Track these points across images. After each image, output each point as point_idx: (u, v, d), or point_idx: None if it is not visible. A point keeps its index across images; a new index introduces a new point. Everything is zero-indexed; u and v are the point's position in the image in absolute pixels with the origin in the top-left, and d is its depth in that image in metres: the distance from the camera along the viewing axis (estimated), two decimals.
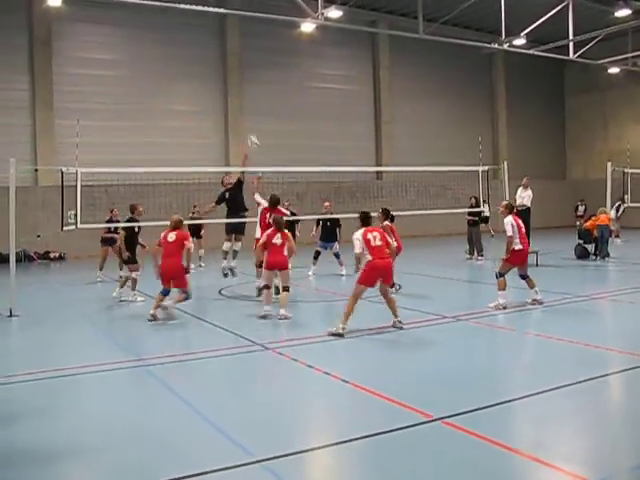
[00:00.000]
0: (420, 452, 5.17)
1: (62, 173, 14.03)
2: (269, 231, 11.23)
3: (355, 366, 7.87)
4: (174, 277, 11.12)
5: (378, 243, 9.57)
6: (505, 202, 12.21)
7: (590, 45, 25.95)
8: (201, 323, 10.78)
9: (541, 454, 4.98)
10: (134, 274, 13.26)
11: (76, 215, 13.71)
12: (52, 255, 22.84)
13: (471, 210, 18.99)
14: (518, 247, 11.14)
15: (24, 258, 21.35)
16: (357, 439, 5.37)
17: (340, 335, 9.12)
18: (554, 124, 38.00)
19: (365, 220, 9.95)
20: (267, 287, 11.09)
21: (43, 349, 9.38)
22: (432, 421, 5.68)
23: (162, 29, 25.39)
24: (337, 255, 16.39)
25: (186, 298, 11.27)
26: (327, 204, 17.91)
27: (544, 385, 6.68)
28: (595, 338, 8.90)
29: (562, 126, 38.61)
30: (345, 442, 5.36)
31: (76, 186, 13.83)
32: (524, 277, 11.38)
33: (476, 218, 19.12)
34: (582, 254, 18.67)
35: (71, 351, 9.07)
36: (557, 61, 28.96)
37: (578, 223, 26.03)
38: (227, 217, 14.32)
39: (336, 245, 16.55)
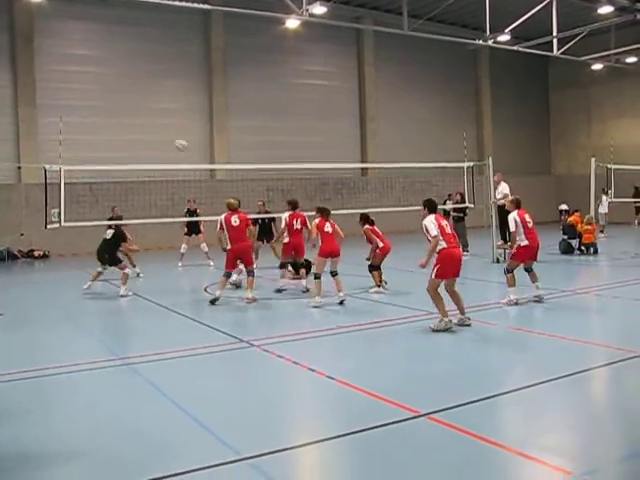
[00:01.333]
0: (406, 448, 5.17)
1: (45, 171, 13.96)
2: (317, 221, 11.70)
3: (341, 363, 7.86)
4: (244, 257, 12.23)
5: (450, 231, 9.23)
6: (512, 197, 12.09)
7: (574, 41, 26.09)
8: (187, 320, 10.74)
9: (527, 448, 5.00)
10: (127, 270, 13.57)
11: (60, 213, 13.66)
12: (36, 253, 22.68)
13: (457, 206, 19.05)
14: (524, 243, 11.05)
15: (8, 256, 21.19)
16: (343, 435, 5.37)
17: (450, 328, 8.90)
18: (538, 120, 38.17)
19: (432, 207, 9.46)
20: (319, 277, 11.36)
21: (28, 348, 9.31)
22: (418, 417, 5.68)
23: (146, 25, 25.23)
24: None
25: (253, 275, 12.20)
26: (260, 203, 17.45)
27: (530, 380, 6.71)
28: (579, 333, 8.96)
29: (546, 122, 38.79)
30: (331, 439, 5.36)
31: (60, 184, 13.77)
32: (528, 270, 11.35)
33: (461, 214, 19.17)
34: (566, 249, 18.77)
35: (56, 350, 9.01)
36: (541, 57, 29.13)
37: (562, 218, 26.23)
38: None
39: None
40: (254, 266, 12.50)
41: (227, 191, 21.45)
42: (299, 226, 13.15)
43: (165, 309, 11.62)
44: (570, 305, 11.33)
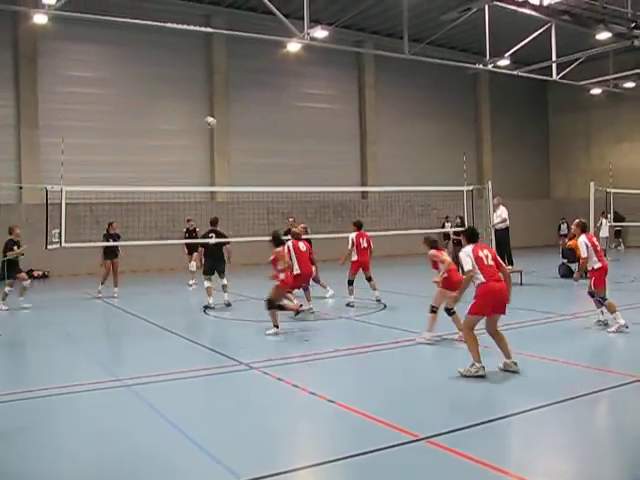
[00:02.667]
0: (405, 472, 5.14)
1: (47, 191, 14.02)
2: (434, 252, 10.47)
3: (341, 386, 7.84)
4: (309, 279, 13.45)
5: (491, 263, 8.08)
6: (577, 220, 11.43)
7: (572, 66, 26.28)
8: (186, 342, 10.72)
9: (528, 473, 4.99)
10: (7, 289, 14.49)
11: (60, 234, 13.72)
12: (35, 273, 22.64)
13: (456, 230, 19.09)
14: (597, 265, 10.73)
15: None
16: (342, 459, 5.35)
17: (482, 376, 7.74)
18: (538, 144, 38.36)
19: (472, 236, 8.51)
20: (436, 310, 10.16)
21: (25, 368, 9.30)
22: (417, 441, 5.67)
23: (148, 48, 25.44)
24: (316, 280, 15.30)
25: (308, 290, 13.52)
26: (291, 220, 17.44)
27: (530, 404, 6.69)
28: (580, 357, 8.94)
29: (546, 145, 38.97)
30: (330, 462, 5.34)
31: (61, 204, 13.82)
32: (602, 302, 10.77)
33: (461, 237, 19.16)
34: (566, 273, 18.74)
35: (55, 371, 8.98)
36: (540, 82, 29.32)
37: (561, 242, 26.35)
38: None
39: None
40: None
41: (227, 213, 21.55)
42: (365, 245, 14.17)
43: (165, 330, 11.60)
44: (570, 329, 11.30)
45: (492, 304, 7.94)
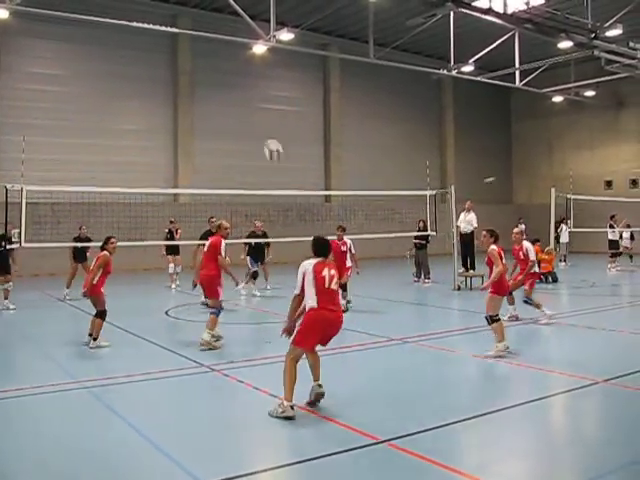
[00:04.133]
0: (366, 474, 5.17)
1: (6, 190, 13.80)
2: (496, 248, 9.71)
3: (302, 389, 7.82)
4: (207, 288, 10.55)
5: (333, 287, 6.69)
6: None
7: (535, 74, 26.68)
8: (146, 344, 10.62)
9: (484, 475, 5.04)
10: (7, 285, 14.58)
11: (20, 233, 13.52)
12: None
13: (419, 234, 19.22)
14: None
15: None
16: (303, 462, 5.36)
17: (290, 418, 6.40)
18: (501, 149, 38.84)
19: (318, 248, 6.91)
20: (498, 319, 9.37)
21: None
22: (378, 443, 5.70)
23: (112, 46, 25.19)
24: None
25: (214, 312, 10.25)
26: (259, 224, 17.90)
27: (488, 407, 6.77)
28: (538, 360, 9.05)
29: (508, 151, 39.48)
30: (291, 465, 5.35)
31: (21, 203, 13.61)
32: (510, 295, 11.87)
33: (423, 241, 19.33)
34: None
35: (10, 373, 8.84)
36: (504, 88, 29.70)
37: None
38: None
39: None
40: (219, 301, 10.40)
41: (190, 214, 21.45)
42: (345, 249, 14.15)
43: (126, 332, 11.49)
44: (529, 333, 11.46)
45: (320, 335, 6.74)
